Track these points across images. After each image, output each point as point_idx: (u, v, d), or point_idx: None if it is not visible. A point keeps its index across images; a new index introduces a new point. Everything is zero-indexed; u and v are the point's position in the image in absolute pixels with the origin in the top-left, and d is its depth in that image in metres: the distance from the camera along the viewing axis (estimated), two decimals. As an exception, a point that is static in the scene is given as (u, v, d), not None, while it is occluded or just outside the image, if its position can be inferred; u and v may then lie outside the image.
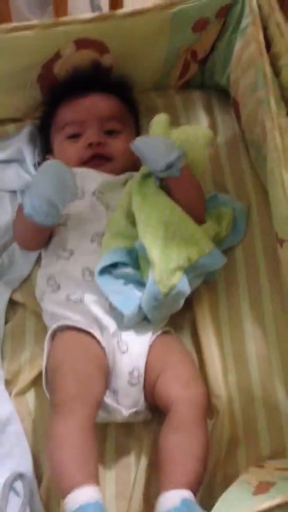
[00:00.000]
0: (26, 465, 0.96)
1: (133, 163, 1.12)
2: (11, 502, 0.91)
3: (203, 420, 0.90)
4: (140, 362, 0.94)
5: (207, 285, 1.07)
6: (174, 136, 1.04)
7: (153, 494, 0.91)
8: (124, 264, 0.98)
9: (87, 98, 1.13)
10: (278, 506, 0.66)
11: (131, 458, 0.99)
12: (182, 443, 0.86)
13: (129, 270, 0.98)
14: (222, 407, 0.97)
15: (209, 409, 0.96)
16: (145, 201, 1.00)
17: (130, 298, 0.95)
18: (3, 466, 0.95)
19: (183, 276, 0.97)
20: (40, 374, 1.03)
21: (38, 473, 0.97)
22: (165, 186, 1.03)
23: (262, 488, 0.74)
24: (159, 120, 1.05)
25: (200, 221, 1.03)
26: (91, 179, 1.07)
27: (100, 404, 0.90)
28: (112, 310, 0.97)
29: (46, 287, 1.02)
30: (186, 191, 1.02)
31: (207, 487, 0.92)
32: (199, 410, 0.90)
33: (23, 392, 1.04)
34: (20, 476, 0.94)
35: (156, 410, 0.96)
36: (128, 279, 0.98)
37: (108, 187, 1.07)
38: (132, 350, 0.95)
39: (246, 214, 1.13)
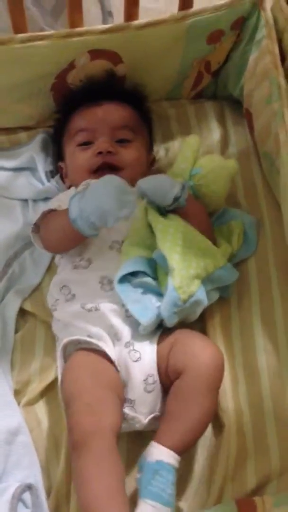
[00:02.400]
0: (34, 476, 0.96)
1: (142, 175, 1.11)
2: (19, 513, 0.91)
3: (209, 389, 0.90)
4: (152, 368, 0.94)
5: (219, 297, 1.07)
6: (202, 163, 1.05)
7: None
8: (143, 273, 0.98)
9: (100, 107, 1.12)
10: None
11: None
12: (180, 411, 0.89)
13: (148, 280, 0.98)
14: (228, 421, 0.96)
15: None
16: (161, 215, 1.01)
17: (148, 308, 0.95)
18: (11, 477, 0.94)
19: (201, 286, 0.97)
20: (49, 385, 1.04)
21: (46, 485, 0.96)
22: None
23: None
24: (190, 143, 1.06)
25: None
26: None
27: (119, 431, 0.89)
28: (128, 318, 0.96)
29: (59, 295, 1.02)
30: (193, 218, 1.03)
31: (216, 502, 0.91)
32: (204, 379, 0.90)
33: (32, 403, 1.03)
34: (28, 487, 0.94)
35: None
36: (146, 289, 0.98)
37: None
38: (144, 358, 0.94)
39: (256, 227, 1.13)
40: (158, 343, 0.96)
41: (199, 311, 1.00)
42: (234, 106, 1.28)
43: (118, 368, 0.94)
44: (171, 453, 0.87)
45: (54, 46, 1.06)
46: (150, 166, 1.19)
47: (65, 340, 0.96)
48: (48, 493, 0.95)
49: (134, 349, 0.94)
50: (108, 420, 0.86)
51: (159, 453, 0.86)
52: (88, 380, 0.90)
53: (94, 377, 0.91)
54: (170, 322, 0.96)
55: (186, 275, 0.95)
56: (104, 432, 0.85)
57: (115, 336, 0.96)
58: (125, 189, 0.93)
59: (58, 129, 1.19)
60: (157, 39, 1.11)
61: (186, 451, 0.91)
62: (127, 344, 0.95)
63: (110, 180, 0.95)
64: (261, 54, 1.10)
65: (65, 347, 0.97)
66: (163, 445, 0.87)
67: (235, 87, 1.24)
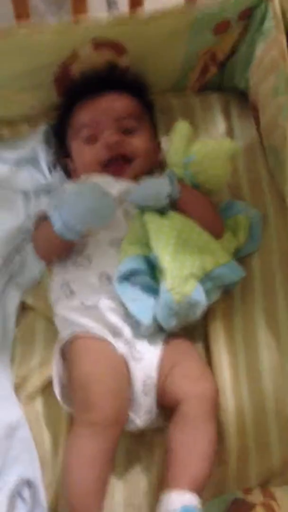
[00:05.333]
0: (33, 471, 0.96)
1: (156, 162, 1.13)
2: (18, 508, 0.91)
3: (211, 415, 0.90)
4: (152, 371, 0.94)
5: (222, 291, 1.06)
6: (195, 150, 1.03)
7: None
8: (142, 272, 0.97)
9: (101, 99, 1.11)
10: None
11: (141, 466, 0.98)
12: (188, 442, 0.87)
13: (146, 278, 0.97)
14: (227, 420, 0.95)
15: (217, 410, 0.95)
16: (156, 214, 1.00)
17: (147, 307, 0.94)
18: (10, 471, 0.94)
19: (198, 285, 0.95)
20: (49, 379, 1.02)
21: (45, 480, 0.96)
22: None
23: None
24: (180, 129, 1.03)
25: (217, 235, 1.02)
26: (112, 186, 1.05)
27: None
28: (128, 317, 0.95)
29: (60, 292, 1.02)
30: (193, 208, 1.01)
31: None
32: (207, 406, 0.90)
33: (32, 397, 1.03)
34: (27, 482, 0.94)
35: (167, 417, 0.95)
36: (145, 287, 0.97)
37: (128, 194, 1.05)
38: (146, 358, 0.94)
39: (261, 221, 1.11)
40: (162, 352, 0.96)
41: (199, 311, 0.98)
42: (240, 99, 1.26)
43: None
44: (192, 494, 0.83)
45: (57, 36, 1.05)
46: (157, 152, 1.17)
47: (66, 336, 0.96)
48: (47, 489, 0.95)
49: (135, 348, 0.94)
50: (126, 407, 0.88)
51: (181, 499, 0.82)
52: (103, 363, 0.91)
53: (109, 362, 0.91)
54: (167, 325, 0.95)
55: (179, 275, 0.93)
56: (121, 421, 0.87)
57: (115, 333, 0.95)
58: (101, 192, 0.95)
59: (60, 125, 1.17)
60: (162, 30, 1.09)
61: (203, 488, 0.86)
62: (128, 342, 0.94)
63: (86, 188, 0.97)
64: (269, 46, 1.08)
65: (65, 343, 0.96)
66: (181, 488, 0.83)
67: (241, 79, 1.22)
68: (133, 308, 0.94)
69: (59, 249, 1.02)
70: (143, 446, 0.99)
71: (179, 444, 0.87)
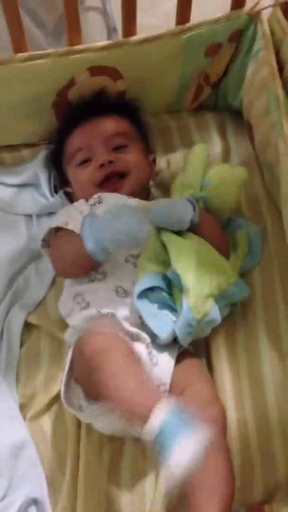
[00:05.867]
0: (40, 490, 0.96)
1: (150, 178, 1.16)
2: (25, 527, 0.91)
3: (222, 438, 0.90)
4: (167, 379, 0.94)
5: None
6: (211, 174, 1.06)
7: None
8: (159, 289, 0.98)
9: (90, 124, 1.14)
10: None
11: (147, 483, 0.97)
12: (205, 469, 0.84)
13: (164, 295, 0.98)
14: (230, 435, 0.95)
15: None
16: (173, 233, 1.01)
17: (166, 323, 0.96)
18: (18, 491, 0.95)
19: (214, 304, 0.97)
20: (54, 397, 1.04)
21: (52, 498, 0.97)
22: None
23: None
24: (199, 151, 1.07)
25: (226, 255, 1.04)
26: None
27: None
28: (144, 327, 0.96)
29: (73, 304, 1.02)
30: (207, 231, 1.03)
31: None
32: (216, 429, 0.88)
33: (37, 416, 1.04)
34: (34, 501, 0.94)
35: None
36: (162, 304, 0.98)
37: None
38: (162, 364, 0.95)
39: (261, 236, 1.13)
40: (175, 366, 0.96)
41: (210, 328, 1.00)
42: (235, 117, 1.29)
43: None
44: None
45: (53, 64, 1.07)
46: (152, 168, 1.19)
47: (81, 333, 0.94)
48: (53, 507, 0.96)
49: (152, 353, 0.95)
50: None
51: None
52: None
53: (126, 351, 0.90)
54: (184, 341, 0.96)
55: (201, 294, 0.95)
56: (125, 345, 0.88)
57: (132, 338, 0.95)
58: (138, 215, 0.94)
59: (56, 155, 1.20)
60: (155, 54, 1.12)
61: (230, 509, 0.84)
62: (147, 346, 0.95)
63: (122, 208, 0.96)
64: (259, 66, 1.11)
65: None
66: None
67: (235, 98, 1.25)
68: (153, 324, 0.95)
69: (86, 267, 1.02)
70: (149, 461, 0.98)
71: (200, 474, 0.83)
